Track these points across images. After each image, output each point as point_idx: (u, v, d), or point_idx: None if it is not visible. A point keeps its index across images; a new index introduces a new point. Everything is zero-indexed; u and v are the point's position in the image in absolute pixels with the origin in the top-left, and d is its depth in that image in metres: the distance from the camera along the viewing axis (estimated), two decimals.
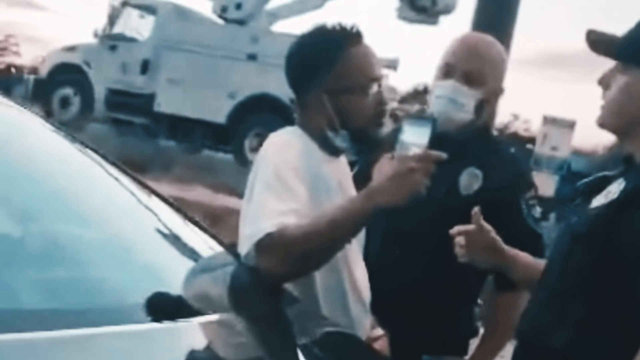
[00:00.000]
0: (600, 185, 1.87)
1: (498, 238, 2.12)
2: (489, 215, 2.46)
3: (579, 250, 1.81)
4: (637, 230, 1.69)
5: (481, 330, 2.69)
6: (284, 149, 2.12)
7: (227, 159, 14.20)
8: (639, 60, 1.81)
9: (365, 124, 2.18)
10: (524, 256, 2.11)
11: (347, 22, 2.20)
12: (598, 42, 1.89)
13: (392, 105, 14.69)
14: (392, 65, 14.88)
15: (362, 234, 2.32)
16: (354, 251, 2.25)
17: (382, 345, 2.36)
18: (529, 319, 1.93)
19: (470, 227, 2.10)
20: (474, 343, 2.68)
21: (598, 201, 1.83)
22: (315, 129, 2.19)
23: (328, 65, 2.15)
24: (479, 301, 2.67)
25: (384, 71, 13.83)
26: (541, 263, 2.04)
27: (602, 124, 1.90)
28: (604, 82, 1.88)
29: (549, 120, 12.98)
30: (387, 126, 2.23)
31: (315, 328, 2.08)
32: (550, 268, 1.91)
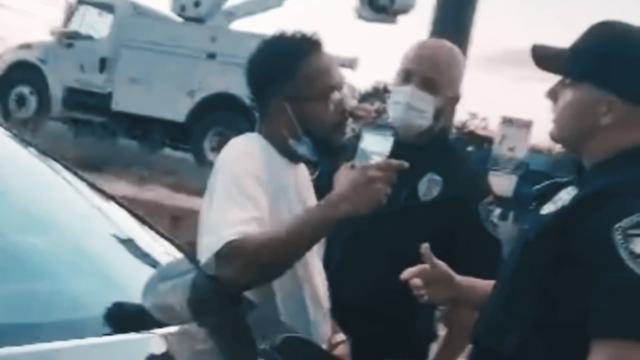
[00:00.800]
0: (552, 191, 1.87)
1: (451, 271, 2.11)
2: (448, 222, 2.48)
3: (529, 256, 1.81)
4: (585, 236, 1.69)
5: (441, 335, 2.71)
6: (244, 157, 2.11)
7: (186, 158, 14.11)
8: (585, 77, 1.81)
9: (327, 132, 2.18)
10: (480, 283, 2.11)
11: (308, 30, 2.21)
12: (544, 58, 1.89)
13: (352, 104, 14.69)
14: (351, 64, 14.88)
15: (322, 241, 2.32)
16: (314, 258, 2.25)
17: (343, 350, 2.37)
18: (482, 322, 1.94)
19: (423, 266, 2.08)
20: (434, 348, 2.70)
21: (548, 208, 1.84)
22: (276, 136, 2.19)
23: (289, 73, 2.15)
24: (439, 306, 2.68)
25: (343, 70, 13.78)
26: (490, 283, 2.03)
27: (553, 137, 1.91)
28: (553, 95, 1.88)
29: (506, 121, 13.03)
30: (348, 126, 2.23)
31: (274, 334, 2.07)
32: (504, 273, 1.91)
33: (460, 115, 32.16)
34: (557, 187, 1.89)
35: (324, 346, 2.32)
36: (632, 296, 1.62)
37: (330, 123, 2.18)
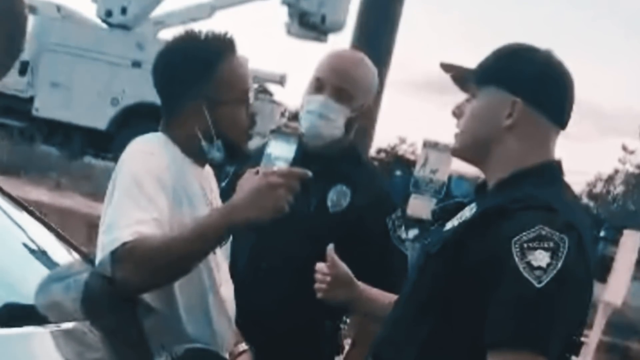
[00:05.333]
0: (457, 210, 1.90)
1: (352, 275, 2.14)
2: (356, 234, 2.48)
3: (429, 271, 1.84)
4: (484, 250, 1.73)
5: (346, 348, 2.70)
6: (146, 157, 2.07)
7: (107, 167, 13.92)
8: (489, 80, 1.86)
9: (239, 134, 2.16)
10: (382, 295, 2.14)
11: (220, 31, 2.18)
12: (455, 76, 1.96)
13: (282, 121, 14.70)
14: (280, 81, 14.94)
15: (228, 247, 2.30)
16: (220, 265, 2.22)
17: None
18: (382, 336, 1.95)
19: (325, 264, 2.12)
20: None
21: (451, 224, 1.87)
22: (186, 138, 2.15)
23: (207, 74, 2.12)
24: (345, 318, 2.68)
25: (271, 86, 13.74)
26: (392, 297, 2.08)
27: (455, 152, 1.95)
28: (458, 111, 1.92)
29: (428, 144, 13.24)
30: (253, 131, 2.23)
31: (175, 344, 2.04)
32: (405, 288, 1.94)
33: (390, 139, 32.53)
34: (462, 206, 1.91)
35: (227, 356, 2.29)
36: (528, 308, 1.66)
37: (244, 126, 2.16)
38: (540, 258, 1.66)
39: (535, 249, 1.67)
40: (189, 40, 2.19)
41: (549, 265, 1.66)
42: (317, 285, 2.15)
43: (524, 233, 1.68)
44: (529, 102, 1.82)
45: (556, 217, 1.70)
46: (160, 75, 2.19)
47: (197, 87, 2.12)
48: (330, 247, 2.11)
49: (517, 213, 1.72)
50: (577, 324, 1.79)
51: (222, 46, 2.15)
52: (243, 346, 2.36)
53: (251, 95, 2.18)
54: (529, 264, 1.66)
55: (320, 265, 2.15)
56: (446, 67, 1.97)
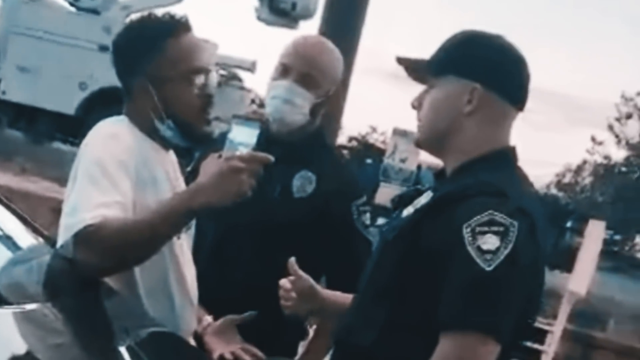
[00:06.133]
0: (415, 197, 1.93)
1: (316, 285, 2.15)
2: (321, 219, 2.49)
3: (387, 256, 1.88)
4: (437, 235, 1.77)
5: (311, 333, 2.71)
6: (109, 140, 2.07)
7: (75, 152, 13.79)
8: (448, 69, 1.89)
9: (190, 115, 2.15)
10: (344, 296, 2.14)
11: (177, 12, 2.18)
12: (410, 69, 1.98)
13: (252, 108, 14.63)
14: (250, 67, 14.86)
15: (192, 230, 2.29)
16: (183, 247, 2.22)
17: (214, 329, 2.34)
18: (343, 321, 1.97)
19: (289, 278, 2.12)
20: (303, 345, 2.70)
21: (408, 211, 1.90)
22: (142, 119, 2.16)
23: (153, 52, 2.12)
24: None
25: (241, 73, 13.64)
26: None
27: (419, 143, 1.98)
28: (418, 102, 1.95)
29: (397, 133, 13.25)
30: (211, 115, 2.21)
31: (138, 328, 2.05)
32: (365, 273, 1.96)
33: (361, 127, 32.54)
34: (420, 193, 1.94)
35: (191, 340, 2.29)
36: (477, 291, 1.71)
37: (193, 106, 2.15)
38: (490, 242, 1.70)
39: (486, 233, 1.71)
40: (140, 21, 2.21)
41: (498, 249, 1.70)
42: (282, 302, 2.15)
43: (475, 218, 1.72)
44: (488, 86, 1.85)
45: (507, 203, 1.74)
46: (113, 56, 2.21)
47: (142, 64, 2.13)
48: (292, 260, 2.11)
49: (470, 199, 1.76)
50: (529, 309, 1.83)
51: (168, 25, 2.15)
52: (207, 319, 2.36)
53: (201, 76, 2.16)
54: (479, 248, 1.70)
55: (283, 282, 2.14)
56: (402, 61, 1.99)
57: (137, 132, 2.15)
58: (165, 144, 2.19)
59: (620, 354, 10.81)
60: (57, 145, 14.85)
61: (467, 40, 1.91)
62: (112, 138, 2.08)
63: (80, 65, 13.53)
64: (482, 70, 1.86)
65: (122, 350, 1.83)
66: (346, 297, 2.10)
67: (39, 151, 12.58)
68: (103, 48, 13.50)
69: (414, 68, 1.98)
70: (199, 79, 2.15)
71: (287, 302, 2.15)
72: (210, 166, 2.00)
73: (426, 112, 1.91)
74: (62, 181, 10.07)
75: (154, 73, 2.12)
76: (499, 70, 1.87)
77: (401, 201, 1.97)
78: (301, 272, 2.11)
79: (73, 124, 13.84)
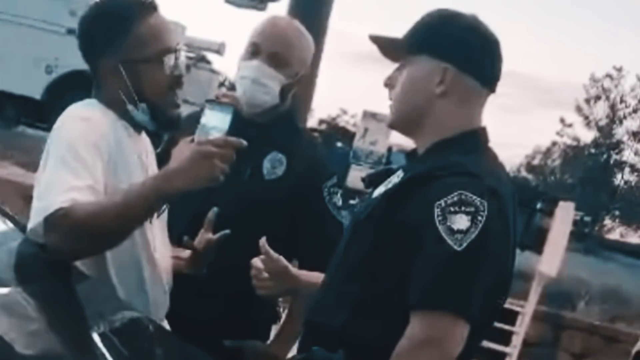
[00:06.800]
0: (386, 177, 1.93)
1: (288, 265, 2.15)
2: (292, 201, 2.48)
3: (358, 236, 1.88)
4: (408, 215, 1.78)
5: (283, 316, 2.70)
6: (81, 123, 2.05)
7: (42, 137, 13.66)
8: (421, 48, 1.89)
9: (160, 96, 2.13)
10: (319, 276, 2.13)
11: None
12: (384, 48, 1.98)
13: (221, 91, 14.56)
14: (219, 49, 14.78)
15: (165, 215, 2.27)
16: (156, 233, 2.20)
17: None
18: (314, 301, 1.98)
19: (261, 258, 2.12)
20: (275, 328, 2.69)
21: (379, 191, 1.90)
22: (112, 102, 2.13)
23: (122, 33, 2.09)
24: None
25: (210, 55, 13.54)
26: None
27: (391, 123, 1.98)
28: (391, 82, 1.95)
29: (368, 115, 13.24)
30: (179, 97, 2.19)
31: (112, 313, 2.03)
32: (336, 253, 1.97)
33: (331, 110, 32.57)
34: (391, 172, 1.94)
35: (165, 323, 2.28)
36: (447, 270, 1.72)
37: (163, 86, 2.13)
38: (461, 222, 1.71)
39: (456, 213, 1.72)
40: (106, 2, 2.18)
41: (468, 229, 1.71)
42: (254, 282, 2.14)
43: (446, 198, 1.73)
44: (460, 67, 1.86)
45: (478, 183, 1.75)
46: (80, 38, 2.18)
47: (112, 46, 2.10)
48: (263, 240, 2.10)
49: (441, 179, 1.76)
50: (500, 289, 1.84)
51: (136, 5, 2.12)
52: (184, 253, 2.34)
53: (171, 56, 2.13)
54: (449, 227, 1.71)
55: (255, 261, 2.14)
56: (374, 39, 1.98)
57: (109, 115, 2.12)
58: (138, 126, 2.17)
59: (590, 333, 10.93)
60: (24, 129, 14.72)
61: (442, 20, 1.91)
62: (84, 121, 2.05)
63: (47, 49, 13.38)
64: (454, 51, 1.86)
65: (95, 336, 1.82)
66: (319, 277, 2.10)
67: (6, 136, 12.44)
68: (70, 31, 13.34)
69: (387, 46, 1.98)
70: (169, 60, 2.12)
71: (259, 282, 2.14)
72: (182, 151, 1.98)
73: (398, 91, 1.92)
74: (30, 166, 10.00)
75: (124, 55, 2.10)
76: (472, 51, 1.87)
77: (372, 181, 1.97)
78: (272, 252, 2.11)
79: (40, 109, 13.71)
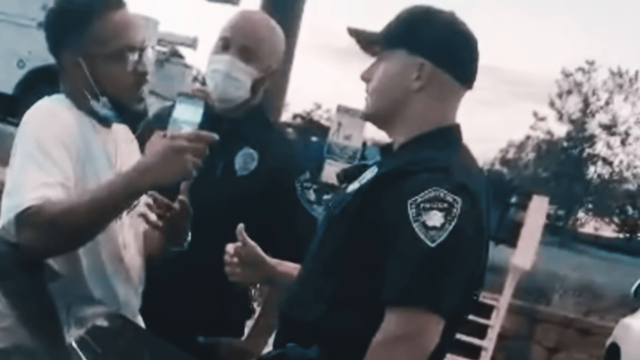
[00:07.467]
0: (360, 172, 1.93)
1: (263, 253, 2.14)
2: (265, 196, 2.47)
3: (333, 231, 1.88)
4: (382, 211, 1.78)
5: (257, 312, 2.69)
6: (48, 119, 2.03)
7: (14, 132, 13.54)
8: (398, 43, 1.89)
9: (123, 92, 2.11)
10: (294, 266, 2.13)
11: None
12: (362, 42, 1.98)
13: (194, 85, 14.51)
14: (192, 44, 14.72)
15: (137, 210, 2.25)
16: (124, 231, 2.17)
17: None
18: (289, 296, 1.97)
19: (235, 245, 2.11)
20: (250, 324, 2.68)
21: (353, 186, 1.90)
22: (76, 96, 2.11)
23: (84, 28, 2.08)
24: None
25: (183, 49, 13.45)
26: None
27: (367, 116, 1.98)
28: (368, 75, 1.95)
29: (342, 110, 13.24)
30: (144, 92, 2.16)
31: (84, 310, 2.03)
32: (311, 248, 1.96)
33: (305, 105, 32.57)
34: (365, 168, 1.94)
35: (139, 320, 2.26)
36: (422, 267, 1.72)
37: (125, 83, 2.11)
38: (435, 218, 1.72)
39: (430, 209, 1.72)
40: None
41: (443, 225, 1.71)
42: (227, 269, 2.14)
43: (420, 194, 1.73)
44: (437, 63, 1.86)
45: (451, 179, 1.76)
46: (45, 31, 2.16)
47: (73, 41, 2.08)
48: (241, 227, 2.09)
49: (415, 175, 1.77)
50: (473, 284, 1.85)
51: (101, 1, 2.10)
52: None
53: (135, 53, 2.11)
54: (423, 224, 1.72)
55: (228, 247, 2.13)
56: (353, 32, 1.99)
57: (75, 110, 2.10)
58: (104, 120, 2.14)
59: (565, 326, 11.02)
60: None
61: (419, 16, 1.92)
62: (51, 116, 2.03)
63: (18, 43, 13.27)
64: (431, 48, 1.87)
65: (67, 333, 1.82)
66: (296, 268, 2.09)
67: None
68: (41, 25, 13.22)
69: (365, 40, 1.98)
70: (132, 57, 2.10)
71: (231, 268, 2.13)
72: (154, 145, 1.97)
73: (375, 85, 1.92)
74: (3, 161, 9.92)
75: (85, 50, 2.08)
76: (448, 48, 1.88)
77: (347, 176, 1.97)
78: (248, 240, 2.10)
79: (12, 103, 13.59)
